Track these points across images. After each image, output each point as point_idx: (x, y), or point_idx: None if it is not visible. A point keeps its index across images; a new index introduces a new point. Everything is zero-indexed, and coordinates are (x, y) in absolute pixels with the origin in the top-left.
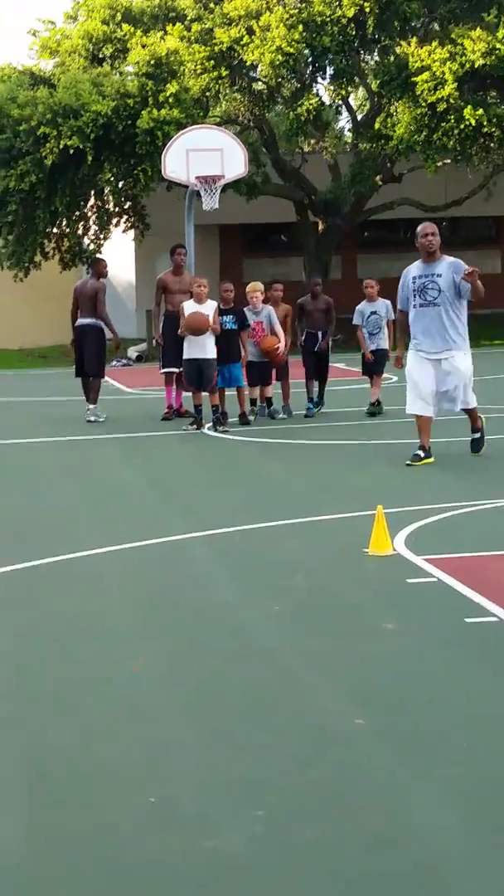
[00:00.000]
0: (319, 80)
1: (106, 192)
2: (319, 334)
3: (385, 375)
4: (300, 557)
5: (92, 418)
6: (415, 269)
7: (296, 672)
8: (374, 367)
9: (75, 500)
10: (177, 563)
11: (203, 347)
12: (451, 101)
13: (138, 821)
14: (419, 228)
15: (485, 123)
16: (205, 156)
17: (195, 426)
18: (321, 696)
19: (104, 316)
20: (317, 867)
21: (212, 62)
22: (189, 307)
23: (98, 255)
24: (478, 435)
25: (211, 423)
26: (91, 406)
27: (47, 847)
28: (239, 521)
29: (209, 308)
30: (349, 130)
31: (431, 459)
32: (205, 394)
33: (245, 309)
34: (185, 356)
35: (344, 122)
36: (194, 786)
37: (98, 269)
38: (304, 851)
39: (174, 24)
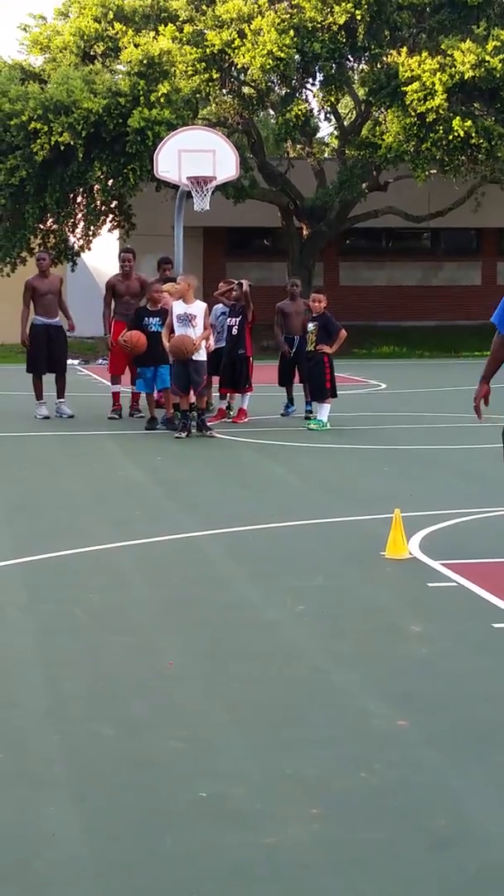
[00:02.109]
0: (308, 85)
1: (95, 189)
2: (296, 339)
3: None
4: (317, 559)
5: (69, 412)
6: None
7: (329, 672)
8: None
9: (80, 495)
10: (193, 560)
11: None
12: (441, 111)
13: (192, 816)
14: None
15: (473, 135)
16: (197, 157)
17: (185, 433)
18: (358, 696)
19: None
20: (382, 867)
21: (203, 64)
22: (178, 307)
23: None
24: None
25: (197, 426)
26: (63, 400)
27: (103, 840)
28: (249, 520)
29: (198, 308)
30: (336, 137)
31: None
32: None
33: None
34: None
35: (329, 128)
36: (244, 783)
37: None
38: (366, 850)
39: (166, 25)
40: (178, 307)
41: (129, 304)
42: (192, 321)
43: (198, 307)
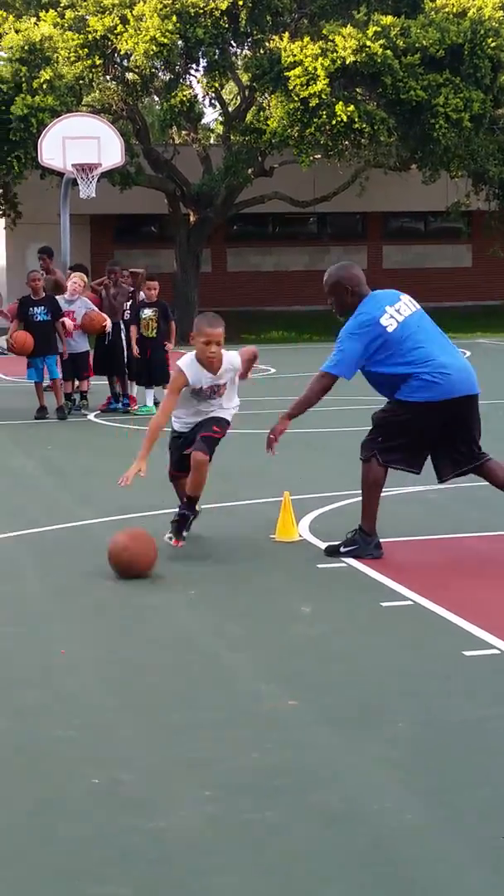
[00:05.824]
0: (192, 71)
1: None
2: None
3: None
4: (208, 543)
5: None
6: None
7: (220, 655)
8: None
9: None
10: (84, 549)
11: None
12: (323, 96)
13: (83, 801)
14: None
15: (356, 120)
16: (81, 144)
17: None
18: (250, 678)
19: None
20: (273, 846)
21: (86, 50)
22: (202, 377)
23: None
24: None
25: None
26: None
27: None
28: (140, 507)
29: (231, 372)
30: (221, 123)
31: None
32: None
33: (59, 297)
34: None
35: (214, 114)
36: (137, 768)
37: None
38: (259, 830)
39: (47, 11)
40: (202, 377)
41: None
42: (220, 391)
43: (229, 370)
